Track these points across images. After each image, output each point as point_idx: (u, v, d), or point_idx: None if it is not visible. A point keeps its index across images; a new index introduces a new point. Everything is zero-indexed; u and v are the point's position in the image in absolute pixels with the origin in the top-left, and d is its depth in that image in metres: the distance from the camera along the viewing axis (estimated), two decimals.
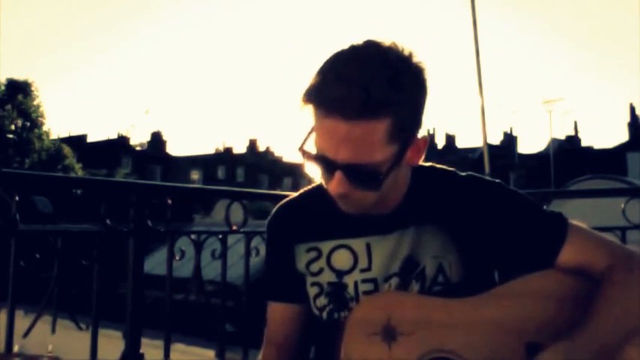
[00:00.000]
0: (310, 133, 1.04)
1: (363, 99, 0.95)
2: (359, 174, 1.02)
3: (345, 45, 1.03)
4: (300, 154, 1.07)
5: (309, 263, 1.20)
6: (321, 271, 1.18)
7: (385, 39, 1.03)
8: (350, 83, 0.96)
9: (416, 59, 1.02)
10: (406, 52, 1.02)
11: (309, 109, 1.02)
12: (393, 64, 0.99)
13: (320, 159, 1.04)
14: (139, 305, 2.04)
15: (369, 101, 0.95)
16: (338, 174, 1.02)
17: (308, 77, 1.02)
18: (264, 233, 1.30)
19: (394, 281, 1.14)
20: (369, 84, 0.96)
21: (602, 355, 0.97)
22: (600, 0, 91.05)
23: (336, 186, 1.04)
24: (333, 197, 1.09)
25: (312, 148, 1.05)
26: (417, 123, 1.05)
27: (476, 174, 1.20)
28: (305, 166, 1.07)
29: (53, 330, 1.98)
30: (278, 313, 1.24)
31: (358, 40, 1.03)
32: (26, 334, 1.79)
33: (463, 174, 1.19)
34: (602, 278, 1.04)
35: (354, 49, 1.02)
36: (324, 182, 1.08)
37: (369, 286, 1.15)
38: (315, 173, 1.09)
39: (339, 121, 0.97)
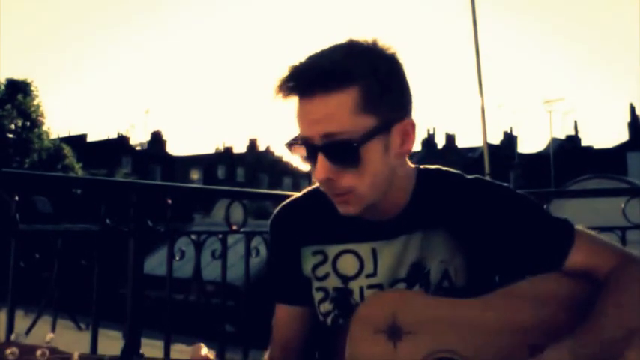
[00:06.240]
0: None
1: (320, 72, 0.97)
2: (336, 150, 0.98)
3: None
4: (287, 151, 1.06)
5: (315, 267, 1.18)
6: (326, 275, 1.16)
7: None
8: (309, 63, 0.99)
9: (382, 43, 1.03)
10: (371, 40, 1.03)
11: (287, 102, 1.02)
12: (354, 43, 1.02)
13: (302, 147, 1.02)
14: (138, 305, 2.04)
15: (326, 73, 0.97)
16: (319, 157, 1.00)
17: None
18: (265, 233, 1.29)
19: (401, 287, 1.13)
20: (326, 59, 0.99)
21: (603, 354, 0.97)
22: (601, 0, 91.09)
23: (319, 172, 1.01)
24: (326, 192, 1.07)
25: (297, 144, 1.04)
26: (393, 98, 1.02)
27: (483, 177, 1.17)
28: (295, 163, 1.06)
29: (53, 330, 1.98)
30: (284, 315, 1.22)
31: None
32: (26, 334, 1.78)
33: (470, 177, 1.17)
34: (605, 279, 1.04)
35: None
36: (314, 177, 1.06)
37: (374, 292, 1.13)
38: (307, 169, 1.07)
39: (306, 101, 0.99)
